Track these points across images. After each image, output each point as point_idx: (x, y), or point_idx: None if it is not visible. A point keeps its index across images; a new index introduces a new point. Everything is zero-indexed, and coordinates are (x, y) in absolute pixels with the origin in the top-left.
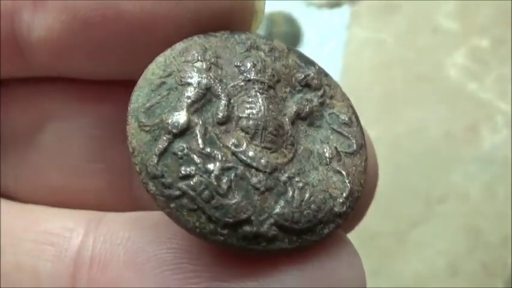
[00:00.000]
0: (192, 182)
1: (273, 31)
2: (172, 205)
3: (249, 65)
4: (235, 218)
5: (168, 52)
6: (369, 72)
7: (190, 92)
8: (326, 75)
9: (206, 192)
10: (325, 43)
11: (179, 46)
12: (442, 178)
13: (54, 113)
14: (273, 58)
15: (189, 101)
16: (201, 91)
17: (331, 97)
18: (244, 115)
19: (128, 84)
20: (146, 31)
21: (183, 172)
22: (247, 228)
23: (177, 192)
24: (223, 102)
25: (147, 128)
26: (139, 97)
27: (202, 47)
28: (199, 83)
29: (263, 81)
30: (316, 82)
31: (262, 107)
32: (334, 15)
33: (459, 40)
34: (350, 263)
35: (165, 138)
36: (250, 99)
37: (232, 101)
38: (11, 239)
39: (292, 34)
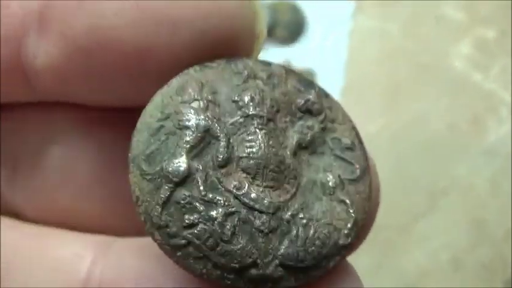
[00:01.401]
0: (196, 231)
1: (277, 20)
2: (178, 253)
3: (246, 99)
4: (240, 263)
5: (164, 90)
6: (373, 62)
7: (189, 136)
8: (327, 95)
9: (211, 240)
10: (330, 33)
11: (176, 82)
12: (446, 170)
13: (59, 137)
14: (272, 86)
15: (188, 146)
16: (199, 134)
17: (333, 120)
18: (244, 155)
19: (130, 110)
20: (143, 60)
21: (186, 221)
22: (253, 271)
23: (183, 242)
24: (222, 143)
25: (149, 177)
26: (139, 143)
27: (199, 83)
28: (197, 126)
29: (262, 115)
30: (317, 107)
31: (262, 144)
32: (339, 5)
33: (464, 30)
34: None
35: (166, 187)
36: (249, 137)
37: (231, 140)
38: (22, 265)
39: (296, 23)
